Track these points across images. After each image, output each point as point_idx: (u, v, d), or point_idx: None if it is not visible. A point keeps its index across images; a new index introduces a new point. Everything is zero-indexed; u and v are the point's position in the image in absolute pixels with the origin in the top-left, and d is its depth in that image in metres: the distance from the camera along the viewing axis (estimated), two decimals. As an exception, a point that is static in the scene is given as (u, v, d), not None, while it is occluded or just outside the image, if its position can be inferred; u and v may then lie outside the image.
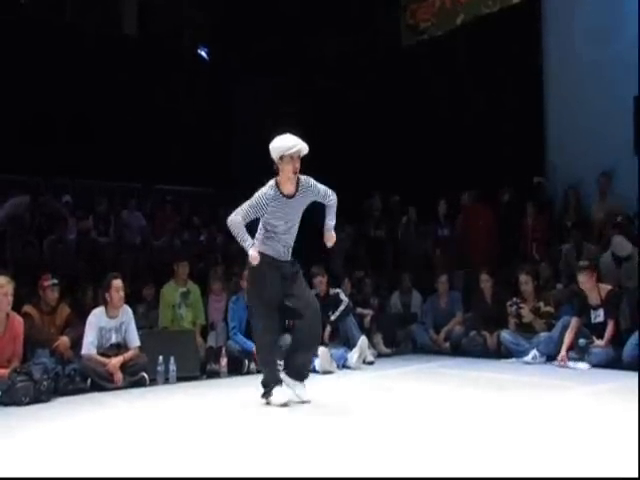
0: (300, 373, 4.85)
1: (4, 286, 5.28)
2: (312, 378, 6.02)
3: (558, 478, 2.88)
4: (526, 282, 7.05)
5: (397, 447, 3.42)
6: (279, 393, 4.68)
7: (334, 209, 4.88)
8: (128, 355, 5.90)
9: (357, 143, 10.79)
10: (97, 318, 5.89)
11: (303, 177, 4.73)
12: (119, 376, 5.74)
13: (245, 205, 4.63)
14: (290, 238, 4.76)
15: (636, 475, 2.81)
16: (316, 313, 4.80)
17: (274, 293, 4.68)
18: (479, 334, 7.41)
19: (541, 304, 7.00)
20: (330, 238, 4.88)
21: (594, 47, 8.64)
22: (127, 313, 6.07)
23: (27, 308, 5.89)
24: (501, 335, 7.10)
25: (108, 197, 10.22)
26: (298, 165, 4.63)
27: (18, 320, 5.45)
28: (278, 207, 4.62)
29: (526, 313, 6.96)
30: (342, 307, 7.12)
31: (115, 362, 5.76)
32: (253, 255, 4.56)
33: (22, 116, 10.10)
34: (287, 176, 4.62)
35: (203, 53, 13.14)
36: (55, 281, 6.00)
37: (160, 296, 7.16)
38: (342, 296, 7.24)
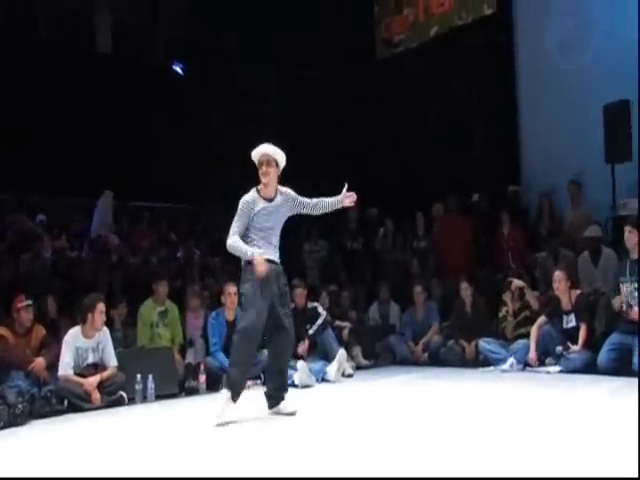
0: (283, 391, 4.94)
1: None
2: (292, 392, 6.03)
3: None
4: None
5: (377, 457, 3.42)
6: (226, 406, 4.59)
7: (324, 199, 5.05)
8: (105, 374, 5.84)
9: (333, 155, 10.82)
10: (73, 338, 5.82)
11: (285, 188, 4.93)
12: (96, 396, 5.68)
13: (234, 222, 4.75)
14: (273, 242, 4.82)
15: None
16: (292, 336, 4.94)
17: (266, 304, 4.66)
18: (457, 343, 7.45)
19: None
20: (349, 195, 5.08)
21: (565, 57, 8.81)
22: (104, 333, 6.01)
23: (1, 330, 5.81)
24: (479, 344, 7.14)
25: (83, 215, 10.13)
26: (266, 169, 4.77)
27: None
28: (259, 210, 4.73)
29: (521, 284, 7.01)
30: (320, 321, 7.13)
31: (92, 381, 5.70)
32: (259, 260, 4.55)
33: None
34: (261, 180, 4.80)
35: (178, 69, 13.16)
36: (29, 302, 5.92)
37: (138, 315, 7.10)
38: (320, 310, 7.24)
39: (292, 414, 4.81)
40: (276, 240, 4.87)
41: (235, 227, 4.72)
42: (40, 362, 5.76)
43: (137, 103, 11.67)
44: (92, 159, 10.82)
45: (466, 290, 7.58)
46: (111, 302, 6.89)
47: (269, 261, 4.68)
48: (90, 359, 5.89)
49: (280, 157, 4.88)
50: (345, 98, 11.01)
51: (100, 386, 5.76)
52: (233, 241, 4.69)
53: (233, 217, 4.79)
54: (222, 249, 8.85)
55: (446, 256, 8.76)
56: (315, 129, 11.14)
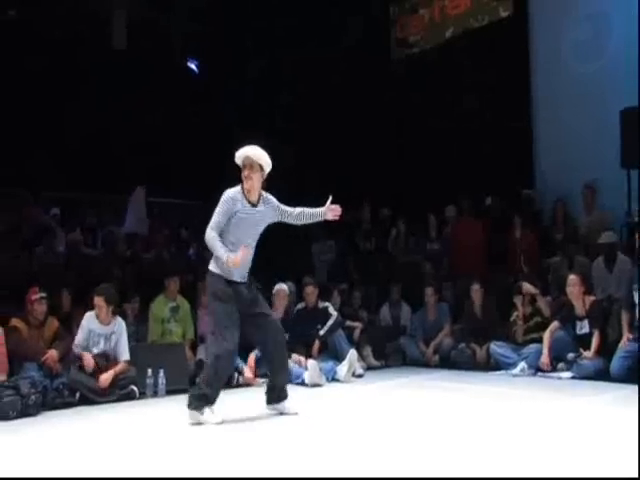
0: (282, 396, 4.89)
1: None
2: (301, 391, 6.06)
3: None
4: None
5: (381, 457, 3.42)
6: (212, 413, 4.55)
7: (307, 209, 4.90)
8: (118, 369, 5.90)
9: (347, 155, 10.82)
10: (87, 320, 5.96)
11: (267, 194, 4.78)
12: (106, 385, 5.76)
13: (214, 215, 4.62)
14: (250, 256, 4.69)
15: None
16: (280, 332, 4.87)
17: (236, 308, 4.59)
18: (468, 346, 7.43)
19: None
20: (334, 209, 4.89)
21: (581, 61, 8.77)
22: (119, 325, 6.10)
23: (15, 321, 5.86)
24: (490, 347, 7.12)
25: (96, 210, 10.19)
26: (249, 173, 4.63)
27: (-2, 332, 5.41)
28: (241, 209, 4.60)
29: (533, 290, 6.98)
30: (331, 321, 7.11)
31: (107, 377, 5.77)
32: (230, 257, 4.44)
33: (9, 128, 10.07)
34: (243, 184, 4.66)
35: (193, 66, 13.17)
36: (43, 294, 5.97)
37: (149, 310, 7.14)
38: (331, 310, 7.23)
39: (295, 414, 4.79)
40: (253, 250, 4.73)
41: (216, 220, 4.59)
42: (53, 353, 5.80)
43: (151, 100, 11.70)
44: (105, 154, 10.86)
45: (477, 292, 7.56)
46: (124, 297, 6.92)
47: (240, 283, 4.61)
48: (101, 345, 5.96)
49: (265, 162, 4.71)
50: (358, 98, 10.98)
51: (112, 380, 5.80)
52: (212, 237, 4.56)
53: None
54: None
55: (458, 258, 8.74)
56: (328, 129, 11.14)
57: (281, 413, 4.85)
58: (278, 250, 9.56)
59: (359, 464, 3.34)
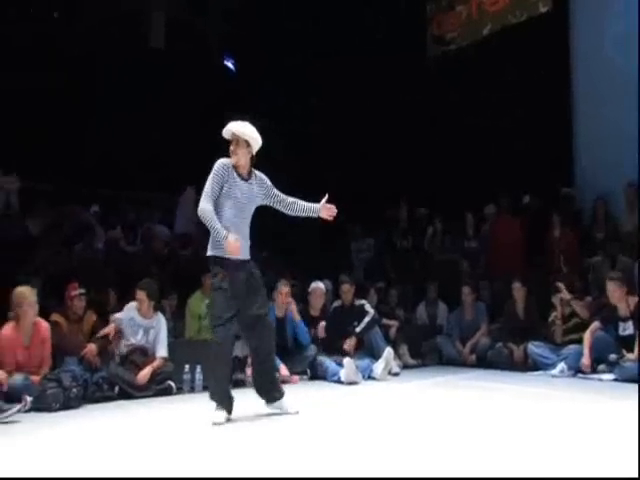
0: (273, 395, 4.74)
1: (28, 297, 5.39)
2: (337, 389, 6.05)
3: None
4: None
5: (418, 457, 3.39)
6: (220, 413, 4.47)
7: (301, 201, 4.77)
8: (155, 364, 5.97)
9: (383, 154, 10.79)
10: (129, 309, 6.12)
11: (260, 173, 4.69)
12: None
13: (207, 184, 4.47)
14: (244, 234, 4.53)
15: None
16: (270, 330, 4.73)
17: (234, 297, 4.47)
18: (505, 346, 7.34)
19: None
20: (329, 208, 4.72)
21: (624, 56, 8.56)
22: (160, 321, 6.20)
23: (55, 317, 5.97)
24: (528, 347, 7.02)
25: (137, 207, 10.32)
26: (234, 149, 4.54)
27: (44, 326, 5.56)
28: (233, 183, 4.48)
29: (567, 296, 6.87)
30: (368, 319, 7.10)
31: (145, 373, 5.85)
32: (231, 239, 4.31)
33: (50, 127, 10.26)
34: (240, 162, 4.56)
35: (230, 64, 13.25)
36: (82, 291, 6.08)
37: (186, 307, 7.21)
38: (367, 307, 7.23)
39: (296, 413, 4.67)
40: (247, 230, 4.57)
41: (208, 189, 4.41)
42: (92, 348, 5.89)
43: (189, 98, 11.81)
44: (146, 151, 11.01)
45: (519, 290, 7.44)
46: (161, 293, 6.99)
47: (242, 262, 4.48)
48: (139, 336, 6.06)
49: (250, 137, 4.56)
50: (394, 97, 10.93)
51: (150, 376, 5.89)
52: (209, 211, 4.36)
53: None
54: (270, 244, 8.96)
55: (497, 257, 8.64)
56: (364, 128, 11.11)
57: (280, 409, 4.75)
58: (315, 248, 9.62)
59: (392, 463, 3.32)
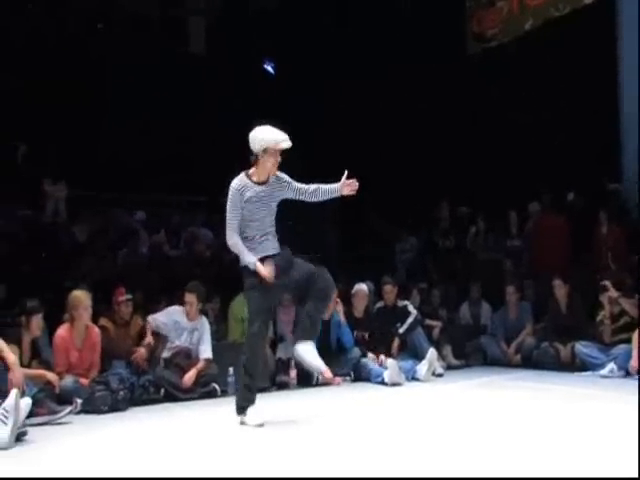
0: (307, 329, 4.54)
1: (84, 301, 5.55)
2: (381, 390, 6.03)
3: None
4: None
5: (467, 458, 3.36)
6: (254, 414, 4.51)
7: (322, 185, 4.68)
8: (199, 366, 6.05)
9: (424, 153, 10.71)
10: (174, 312, 6.20)
11: (279, 172, 4.62)
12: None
13: (227, 213, 4.50)
14: (270, 231, 4.56)
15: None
16: (322, 270, 4.57)
17: (270, 296, 4.52)
18: (551, 345, 7.20)
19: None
20: (349, 183, 4.61)
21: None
22: (204, 324, 6.29)
23: (103, 321, 6.09)
24: (576, 347, 6.87)
25: (179, 211, 10.47)
26: (279, 159, 4.51)
27: (96, 331, 5.70)
28: (251, 192, 4.46)
29: (615, 294, 6.70)
30: (410, 319, 7.08)
31: (190, 376, 5.94)
32: (259, 266, 4.38)
33: (95, 135, 10.50)
34: (266, 169, 4.51)
35: (269, 68, 13.33)
36: (129, 296, 6.19)
37: (229, 310, 7.27)
38: (410, 308, 7.20)
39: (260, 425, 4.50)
40: (271, 226, 4.58)
41: (232, 222, 4.47)
42: (142, 352, 6.00)
43: (228, 102, 11.93)
44: (187, 158, 11.16)
45: (560, 288, 7.29)
46: (205, 297, 7.06)
47: (269, 257, 4.48)
48: (183, 338, 6.14)
49: (254, 146, 4.56)
50: (434, 95, 10.84)
51: (195, 378, 5.96)
52: (234, 242, 4.48)
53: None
54: (313, 245, 8.99)
55: (541, 255, 8.50)
56: (406, 127, 11.05)
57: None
58: (357, 250, 9.61)
59: (436, 464, 3.29)
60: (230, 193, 4.49)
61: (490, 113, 10.38)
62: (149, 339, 6.13)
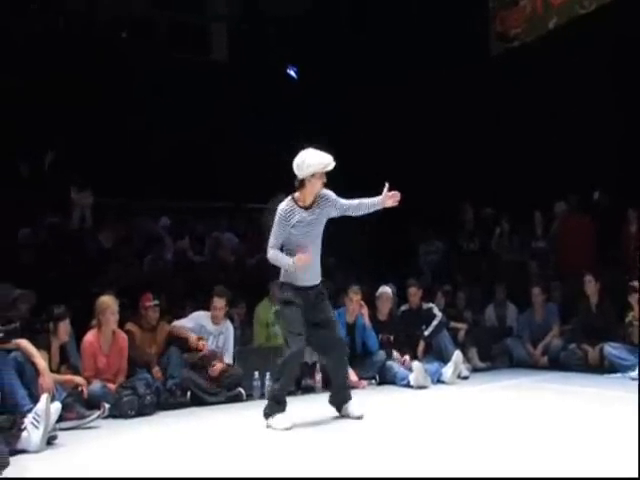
0: (343, 400, 4.86)
1: (111, 306, 5.63)
2: (407, 393, 6.02)
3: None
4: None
5: (492, 459, 3.34)
6: (283, 418, 4.61)
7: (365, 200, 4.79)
8: (224, 367, 6.11)
9: (447, 155, 10.66)
10: (200, 317, 6.27)
11: (324, 190, 4.71)
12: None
13: (272, 232, 4.65)
14: (314, 261, 4.68)
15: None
16: (343, 347, 4.86)
17: (302, 313, 4.66)
18: (579, 347, 7.11)
19: None
20: (392, 195, 4.72)
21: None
22: (228, 328, 6.37)
23: (129, 326, 6.15)
24: (605, 348, 6.77)
25: (203, 217, 10.55)
26: (325, 179, 4.63)
27: (123, 336, 5.77)
28: (297, 218, 4.59)
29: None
30: (435, 322, 7.05)
31: (218, 366, 6.03)
32: (299, 258, 4.49)
33: (120, 142, 10.62)
34: (314, 191, 4.62)
35: (292, 72, 13.38)
36: (156, 302, 6.24)
37: (255, 314, 7.30)
38: (435, 310, 7.17)
39: (359, 418, 4.74)
40: (317, 256, 4.71)
41: (274, 239, 4.62)
42: (157, 371, 5.92)
43: (250, 109, 12.00)
44: (210, 164, 11.25)
45: (590, 283, 7.15)
46: (231, 301, 7.10)
47: (311, 287, 4.66)
48: (209, 342, 6.21)
49: (297, 172, 4.68)
50: (458, 96, 10.78)
51: (220, 377, 6.03)
52: (274, 254, 4.61)
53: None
54: (337, 249, 9.00)
55: (567, 256, 8.40)
56: (429, 129, 11.00)
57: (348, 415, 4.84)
58: (381, 252, 9.58)
59: (461, 465, 3.28)
60: (277, 217, 4.62)
61: (514, 113, 10.28)
62: (196, 341, 6.13)
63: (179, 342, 6.16)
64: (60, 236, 8.69)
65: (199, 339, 6.14)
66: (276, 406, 4.65)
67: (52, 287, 7.04)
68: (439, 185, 10.29)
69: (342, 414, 4.86)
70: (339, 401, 4.90)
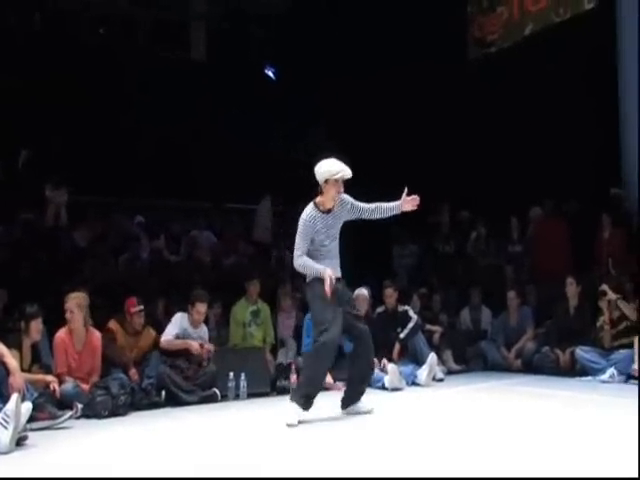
0: (357, 398, 5.01)
1: (77, 298, 5.56)
2: (381, 395, 6.03)
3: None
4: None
5: (466, 461, 3.36)
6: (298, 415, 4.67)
7: (383, 204, 5.05)
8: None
9: (424, 158, 10.72)
10: (181, 320, 6.22)
11: (343, 195, 4.97)
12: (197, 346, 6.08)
13: (297, 239, 4.87)
14: (334, 254, 4.98)
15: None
16: (369, 341, 5.03)
17: (337, 306, 4.85)
18: (552, 351, 7.19)
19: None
20: (410, 200, 5.06)
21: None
22: (205, 333, 6.38)
23: (112, 324, 6.09)
24: (576, 352, 6.86)
25: (179, 217, 10.48)
26: (342, 188, 4.90)
27: (96, 335, 5.70)
28: (320, 224, 4.87)
29: (614, 296, 6.72)
30: (411, 324, 7.07)
31: (196, 345, 6.07)
32: (327, 273, 4.70)
33: (96, 139, 10.51)
34: (330, 197, 4.90)
35: (270, 73, 13.36)
36: (141, 307, 6.16)
37: (231, 314, 7.28)
38: (411, 313, 7.19)
39: (369, 412, 4.93)
40: (336, 250, 5.00)
41: (301, 246, 4.84)
42: (134, 373, 5.90)
43: (230, 108, 11.96)
44: (187, 163, 11.19)
45: (571, 285, 7.23)
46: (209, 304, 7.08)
47: (336, 279, 4.83)
48: None
49: (318, 178, 4.94)
50: (435, 99, 10.84)
51: (194, 377, 6.02)
52: (303, 261, 4.83)
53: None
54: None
55: (542, 260, 8.49)
56: (406, 132, 11.05)
57: (357, 413, 4.95)
58: (356, 254, 9.59)
59: (434, 467, 3.29)
60: (301, 223, 4.88)
61: (491, 118, 10.37)
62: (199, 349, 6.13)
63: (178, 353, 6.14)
64: (34, 234, 8.57)
65: (201, 346, 6.13)
66: (305, 399, 4.74)
67: (25, 285, 6.96)
68: (416, 187, 10.29)
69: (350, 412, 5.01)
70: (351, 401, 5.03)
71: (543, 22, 10.15)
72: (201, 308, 6.20)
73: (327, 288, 4.67)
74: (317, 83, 11.96)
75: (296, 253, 4.86)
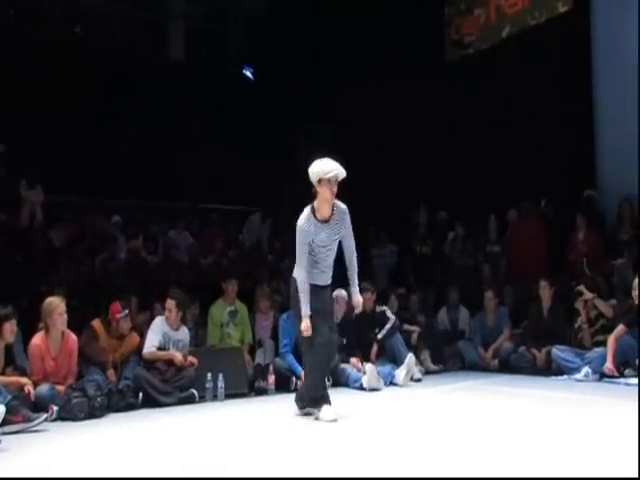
0: (318, 400, 4.90)
1: (58, 306, 5.48)
2: (359, 395, 6.05)
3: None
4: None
5: (444, 463, 3.38)
6: (329, 410, 4.74)
7: (356, 270, 5.04)
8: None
9: (402, 159, 10.76)
10: (160, 325, 6.15)
11: (342, 204, 4.88)
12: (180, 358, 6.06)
13: (297, 248, 4.81)
14: (328, 264, 4.94)
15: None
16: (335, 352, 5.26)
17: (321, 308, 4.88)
18: (528, 350, 7.27)
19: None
20: (359, 302, 5.08)
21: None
22: (186, 334, 6.32)
23: (95, 323, 6.04)
24: (552, 352, 6.93)
25: (157, 217, 10.41)
26: (335, 189, 4.77)
27: (72, 338, 5.64)
28: (316, 232, 4.78)
29: (589, 295, 6.82)
30: (389, 325, 7.10)
31: (178, 356, 6.03)
32: (305, 326, 4.74)
33: (72, 139, 10.41)
34: (324, 198, 4.77)
35: (248, 73, 13.34)
36: (127, 312, 6.11)
37: (209, 314, 7.24)
38: (388, 314, 7.21)
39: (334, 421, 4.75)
40: (331, 260, 4.95)
41: (300, 258, 4.79)
42: (113, 377, 5.86)
43: (207, 108, 11.91)
44: (164, 162, 11.12)
45: (545, 288, 7.33)
46: (184, 305, 7.03)
47: (323, 287, 4.92)
48: (171, 349, 6.12)
49: (312, 178, 4.84)
50: (413, 101, 10.90)
51: (171, 380, 5.98)
52: (300, 282, 4.79)
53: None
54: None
55: (519, 261, 8.57)
56: (384, 134, 11.09)
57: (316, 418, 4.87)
58: (338, 255, 9.61)
59: (411, 467, 3.31)
60: (298, 234, 4.78)
61: (469, 119, 10.45)
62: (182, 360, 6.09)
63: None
64: (9, 234, 8.47)
65: (184, 357, 6.08)
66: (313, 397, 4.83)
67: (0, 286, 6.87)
68: (394, 189, 10.37)
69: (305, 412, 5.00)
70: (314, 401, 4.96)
71: (520, 25, 10.26)
72: (169, 304, 6.13)
73: (302, 327, 4.75)
74: (295, 84, 11.96)
75: (297, 265, 4.82)
